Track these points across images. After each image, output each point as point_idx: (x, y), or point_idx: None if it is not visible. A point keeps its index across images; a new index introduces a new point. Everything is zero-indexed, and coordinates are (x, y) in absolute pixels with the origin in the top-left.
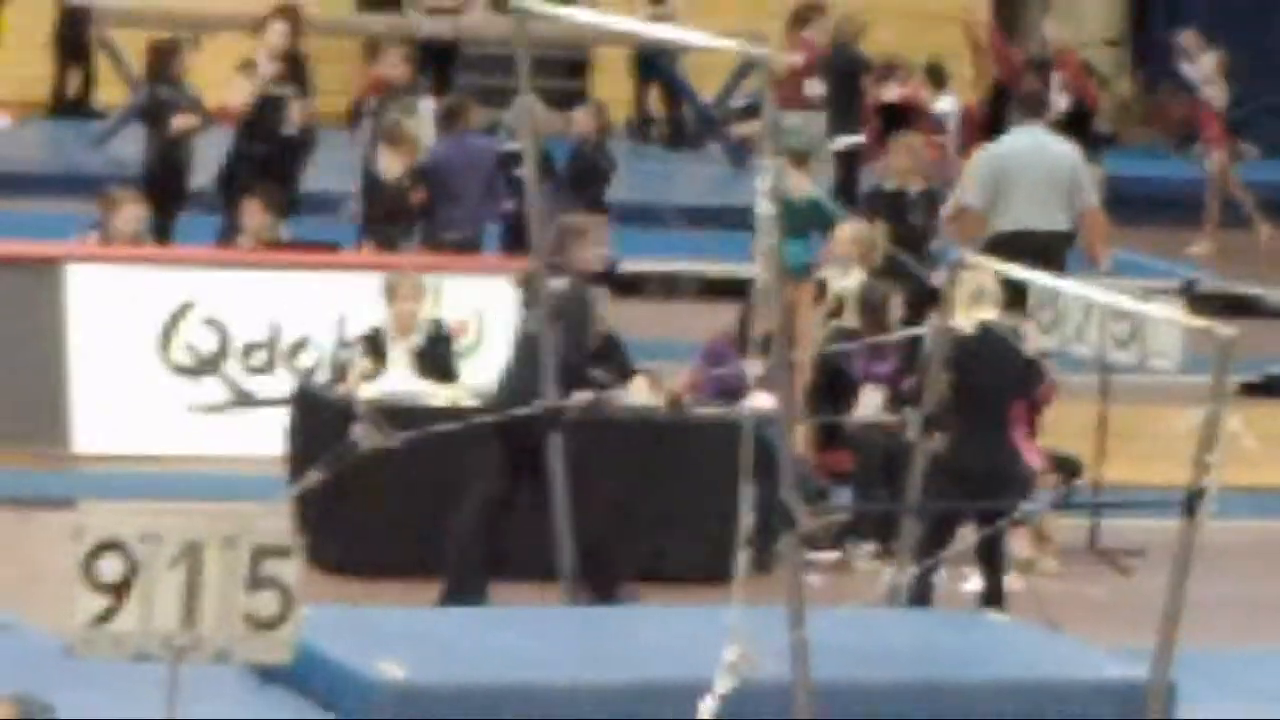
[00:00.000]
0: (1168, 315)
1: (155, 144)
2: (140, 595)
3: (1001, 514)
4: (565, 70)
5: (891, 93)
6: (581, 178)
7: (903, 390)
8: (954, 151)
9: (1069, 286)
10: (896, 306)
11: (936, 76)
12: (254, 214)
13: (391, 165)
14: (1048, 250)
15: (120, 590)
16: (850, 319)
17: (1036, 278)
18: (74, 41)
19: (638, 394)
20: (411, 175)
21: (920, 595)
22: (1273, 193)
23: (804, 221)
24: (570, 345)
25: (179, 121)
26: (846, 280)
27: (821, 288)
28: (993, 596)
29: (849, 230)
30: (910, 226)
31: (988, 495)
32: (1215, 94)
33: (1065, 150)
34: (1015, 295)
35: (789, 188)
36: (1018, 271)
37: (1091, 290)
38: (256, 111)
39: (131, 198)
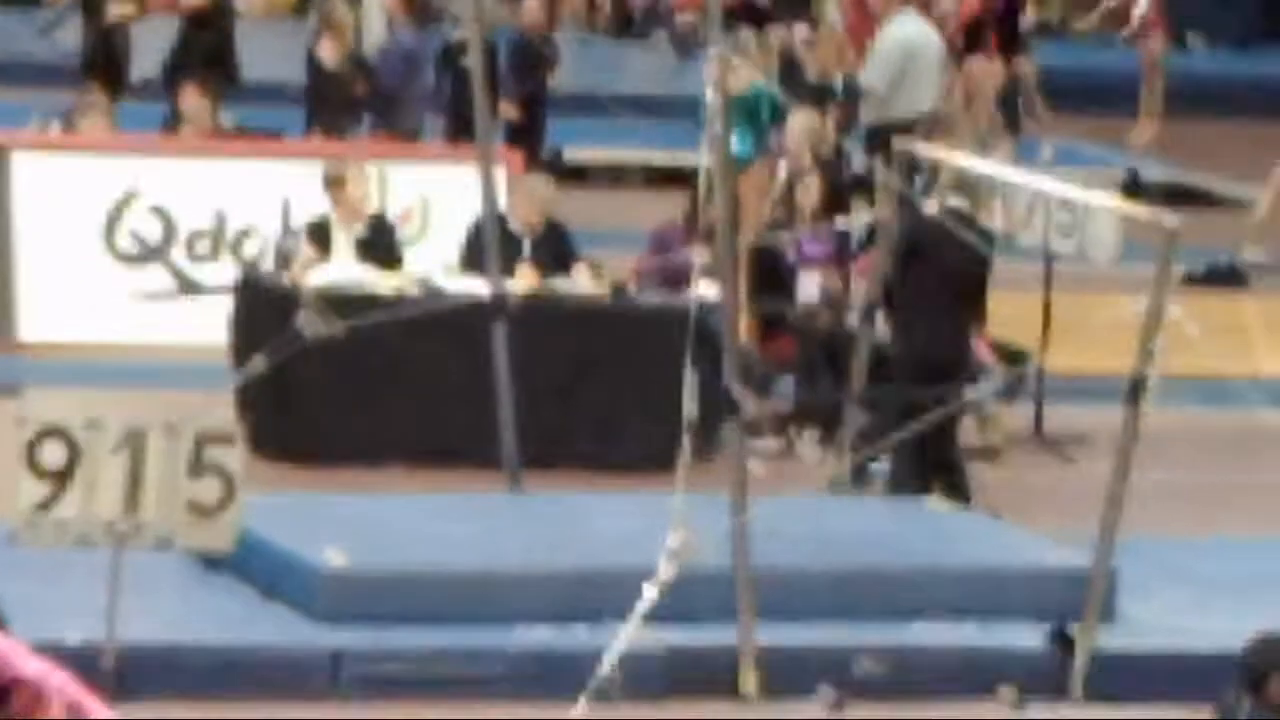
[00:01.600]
0: (1109, 205)
1: (93, 32)
2: (83, 482)
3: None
4: None
5: None
6: (525, 67)
7: (839, 272)
8: None
9: (1016, 175)
10: (812, 191)
11: None
12: (191, 99)
13: (332, 52)
14: (929, 136)
15: (63, 477)
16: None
17: (985, 167)
18: None
19: (582, 282)
20: (351, 64)
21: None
22: (1215, 84)
23: (749, 111)
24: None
25: (115, 9)
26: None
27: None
28: (952, 486)
29: (799, 120)
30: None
31: (940, 382)
32: None
33: (937, 37)
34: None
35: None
36: (967, 160)
37: (1037, 179)
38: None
39: (104, 108)
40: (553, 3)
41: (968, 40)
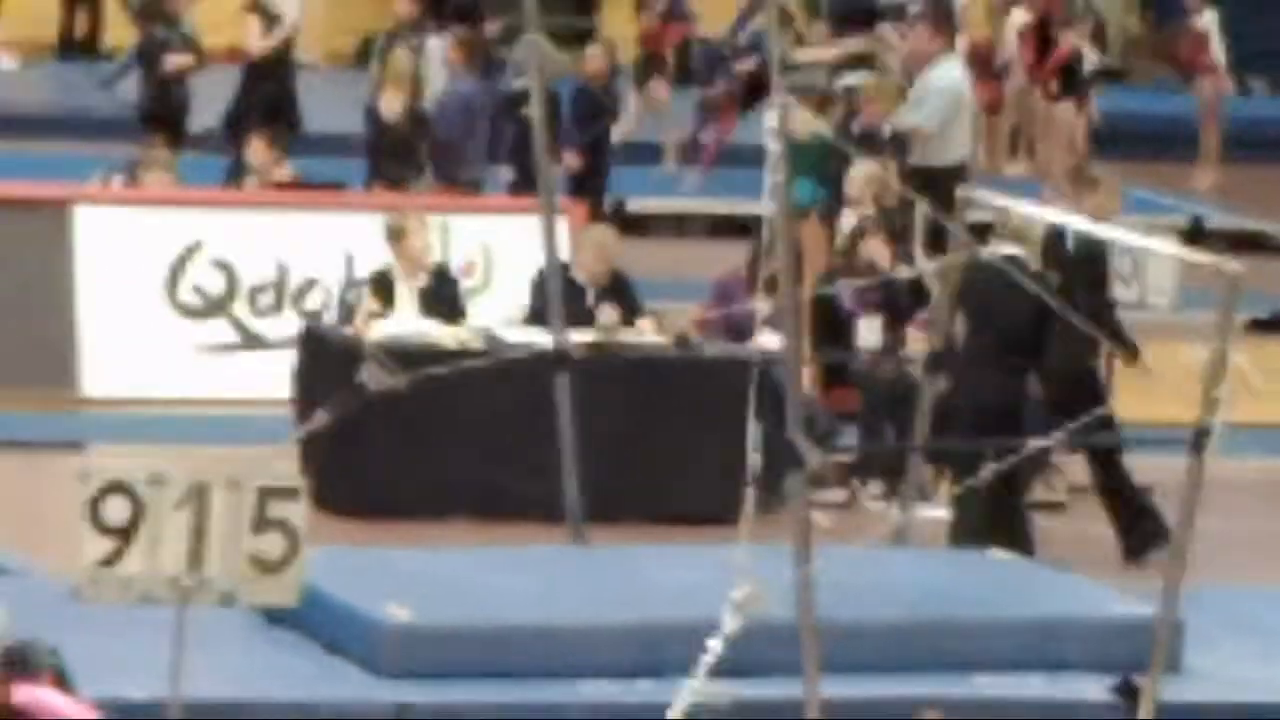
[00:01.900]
0: (1167, 251)
1: (151, 84)
2: (146, 538)
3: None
4: (574, 7)
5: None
6: (586, 116)
7: (897, 316)
8: None
9: (1078, 223)
10: (880, 247)
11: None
12: (259, 152)
13: (392, 104)
14: (1073, 189)
15: (127, 533)
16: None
17: (1047, 214)
18: None
19: (646, 333)
20: (413, 115)
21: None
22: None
23: (814, 160)
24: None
25: (173, 61)
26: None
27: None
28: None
29: (861, 170)
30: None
31: (997, 433)
32: (1208, 24)
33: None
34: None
35: (796, 126)
36: (1030, 209)
37: (1095, 227)
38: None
39: (166, 162)
40: (612, 52)
41: (1060, 86)
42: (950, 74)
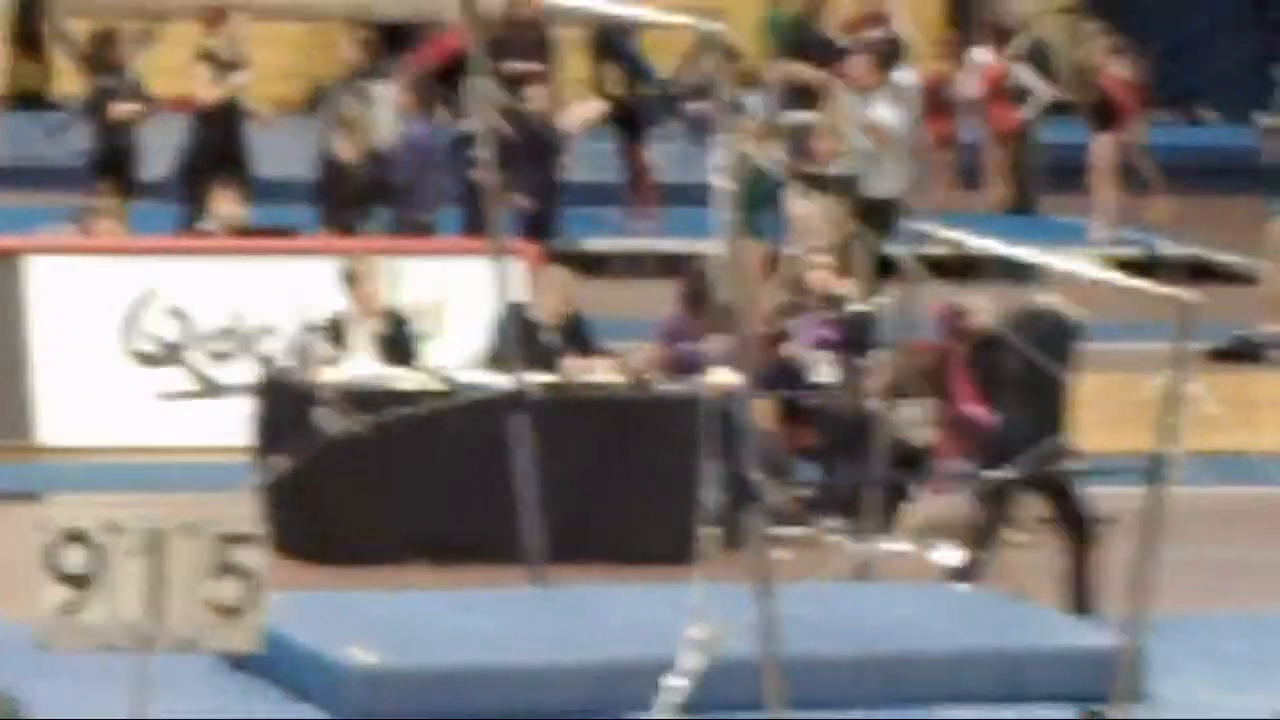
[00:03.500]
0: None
1: (99, 133)
2: (105, 586)
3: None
4: (522, 50)
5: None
6: (534, 157)
7: (847, 351)
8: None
9: (1016, 252)
10: (825, 275)
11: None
12: (229, 202)
13: (345, 150)
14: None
15: (86, 581)
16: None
17: (989, 244)
18: (29, 33)
19: (602, 373)
20: (370, 159)
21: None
22: (1231, 158)
23: (764, 194)
24: None
25: (118, 110)
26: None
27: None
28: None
29: (815, 206)
30: None
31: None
32: (1121, 66)
33: None
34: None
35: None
36: (977, 241)
37: (1029, 255)
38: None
39: (115, 210)
40: (556, 92)
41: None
42: (888, 109)
